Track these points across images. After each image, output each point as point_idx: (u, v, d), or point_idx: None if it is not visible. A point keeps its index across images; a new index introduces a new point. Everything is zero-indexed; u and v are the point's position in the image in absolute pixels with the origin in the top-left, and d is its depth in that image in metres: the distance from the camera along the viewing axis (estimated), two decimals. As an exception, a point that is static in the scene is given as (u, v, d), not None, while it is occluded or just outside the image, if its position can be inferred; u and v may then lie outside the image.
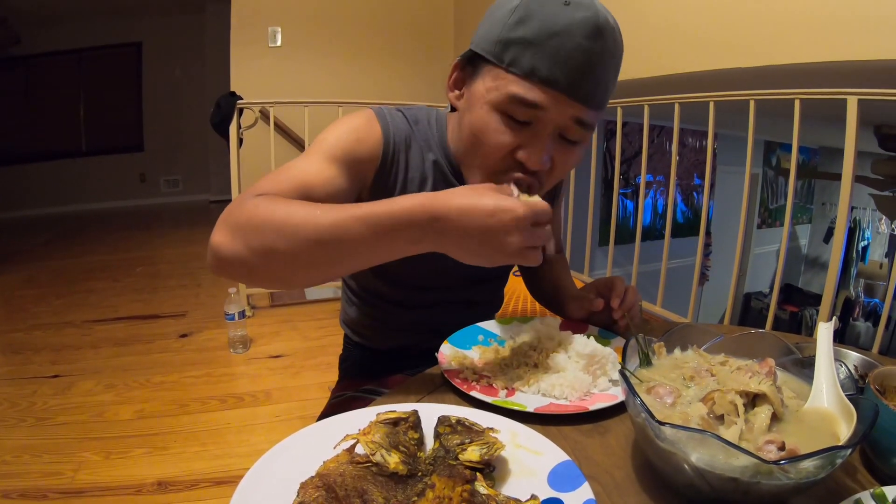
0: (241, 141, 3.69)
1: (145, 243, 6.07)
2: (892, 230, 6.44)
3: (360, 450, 0.66)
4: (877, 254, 6.87)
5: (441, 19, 5.64)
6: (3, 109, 7.66)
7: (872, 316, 6.35)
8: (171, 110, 8.47)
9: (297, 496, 0.58)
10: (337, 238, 0.77)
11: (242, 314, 3.19)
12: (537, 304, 1.41)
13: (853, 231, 6.80)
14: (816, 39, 2.14)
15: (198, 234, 6.44)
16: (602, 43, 0.85)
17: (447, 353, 0.97)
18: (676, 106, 2.73)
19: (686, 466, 0.60)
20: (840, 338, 6.66)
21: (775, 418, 0.67)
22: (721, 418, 0.67)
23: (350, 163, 0.96)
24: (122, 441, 2.29)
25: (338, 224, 0.77)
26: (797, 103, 2.19)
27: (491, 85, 0.89)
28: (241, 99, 3.68)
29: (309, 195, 0.88)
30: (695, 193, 7.29)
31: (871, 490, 0.62)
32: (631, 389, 0.64)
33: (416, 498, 0.60)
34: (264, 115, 3.93)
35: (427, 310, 1.09)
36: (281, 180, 0.89)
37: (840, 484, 0.68)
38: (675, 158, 2.88)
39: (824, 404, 0.70)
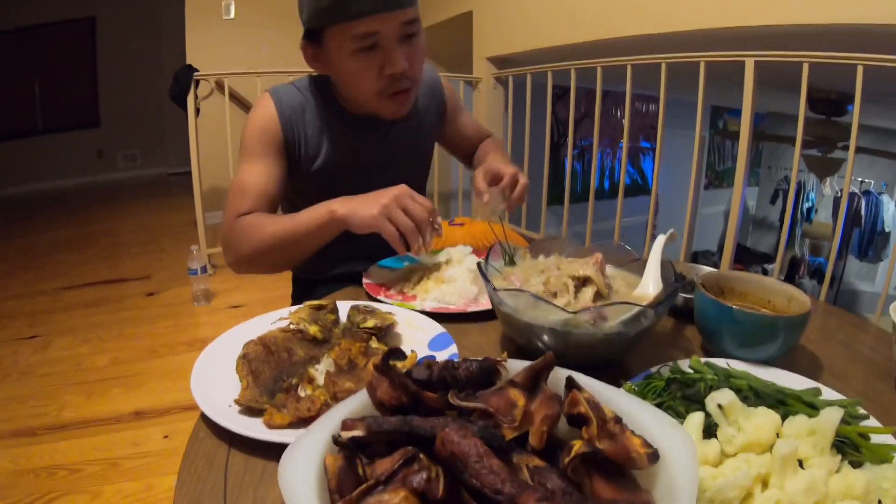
0: (198, 111, 3.86)
1: (107, 217, 6.13)
2: (837, 193, 6.68)
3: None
4: (822, 215, 7.15)
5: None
6: (-44, 90, 7.47)
7: (818, 274, 6.65)
8: (126, 85, 8.28)
9: (242, 349, 0.85)
10: (288, 242, 1.20)
11: (204, 269, 3.42)
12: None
13: (798, 193, 7.08)
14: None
15: (158, 205, 6.55)
16: None
17: (371, 271, 1.28)
18: (629, 67, 2.90)
19: (521, 323, 0.83)
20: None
21: (600, 297, 0.91)
22: (555, 295, 0.91)
23: (268, 148, 1.31)
24: (101, 384, 2.53)
25: (286, 234, 1.19)
26: (749, 63, 2.34)
27: (338, 40, 1.18)
28: (198, 71, 3.85)
29: (265, 193, 1.29)
30: (640, 155, 7.56)
31: (689, 358, 0.81)
32: (482, 272, 0.90)
33: (328, 351, 0.86)
34: (219, 86, 4.09)
35: (361, 238, 1.23)
36: (244, 195, 1.27)
37: (673, 357, 0.86)
38: (627, 121, 3.12)
39: (649, 291, 0.95)
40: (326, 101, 1.38)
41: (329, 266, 1.52)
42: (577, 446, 0.48)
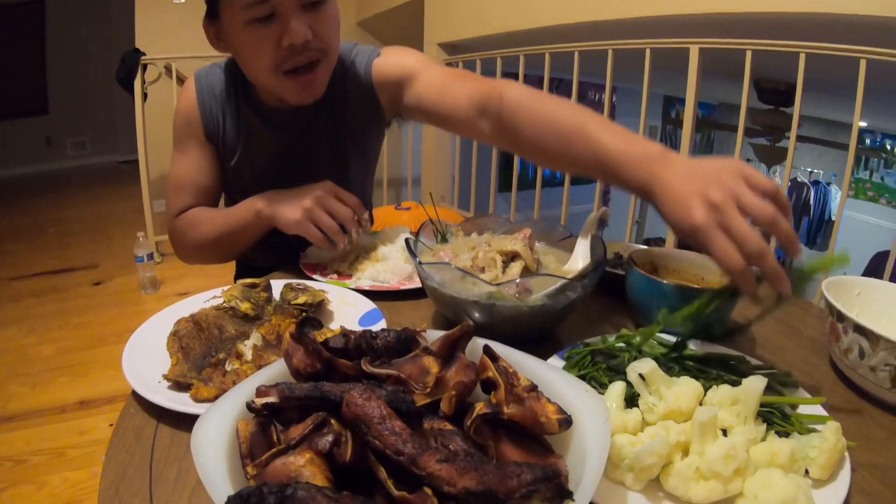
0: (145, 96, 3.80)
1: (56, 206, 5.97)
2: (789, 184, 6.78)
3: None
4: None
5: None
6: None
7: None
8: (76, 70, 8.03)
9: (174, 327, 0.85)
10: (223, 240, 1.20)
11: (151, 256, 3.39)
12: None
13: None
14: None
15: (107, 194, 6.42)
16: None
17: (309, 252, 1.27)
18: (576, 54, 2.91)
19: (448, 297, 0.84)
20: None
21: (528, 271, 0.91)
22: (483, 270, 0.92)
23: (192, 138, 1.26)
24: (47, 374, 2.49)
25: (220, 233, 1.19)
26: (694, 50, 2.37)
27: (230, 12, 1.04)
28: (145, 55, 3.78)
29: (200, 186, 1.27)
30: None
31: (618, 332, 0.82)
32: (409, 248, 0.90)
33: (258, 327, 0.86)
34: (168, 71, 4.02)
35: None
36: (181, 191, 1.26)
37: (605, 331, 0.85)
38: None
39: (578, 267, 0.96)
40: (246, 90, 1.25)
41: (267, 256, 1.42)
42: (479, 408, 0.50)
